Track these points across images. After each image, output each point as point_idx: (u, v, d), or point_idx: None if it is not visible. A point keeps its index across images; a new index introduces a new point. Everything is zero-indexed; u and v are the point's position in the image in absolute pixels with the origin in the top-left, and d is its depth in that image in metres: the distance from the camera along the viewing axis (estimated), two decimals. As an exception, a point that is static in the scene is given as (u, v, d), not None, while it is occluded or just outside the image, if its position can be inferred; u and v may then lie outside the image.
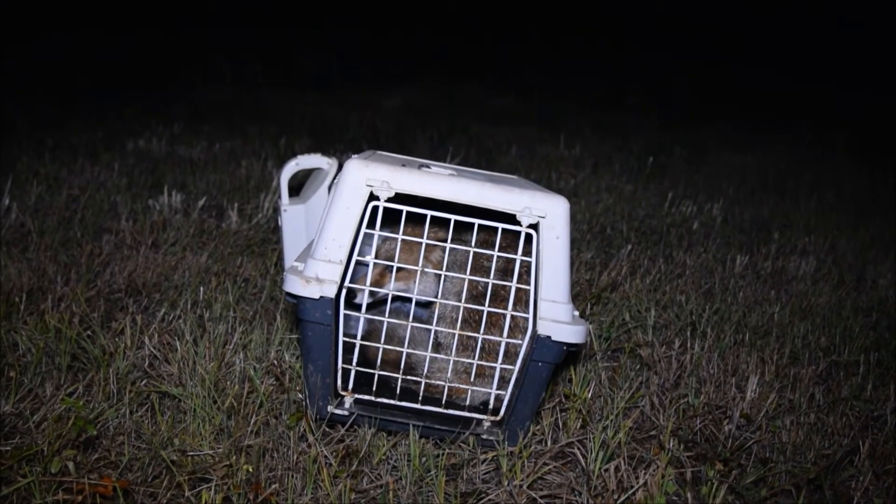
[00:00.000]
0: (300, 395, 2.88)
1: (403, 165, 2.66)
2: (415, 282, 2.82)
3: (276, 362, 3.07)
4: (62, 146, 6.25)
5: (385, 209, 2.54)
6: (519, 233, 2.60)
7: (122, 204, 4.84)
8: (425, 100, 10.53)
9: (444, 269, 2.74)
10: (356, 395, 2.67)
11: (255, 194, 5.33)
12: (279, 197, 3.82)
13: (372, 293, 2.73)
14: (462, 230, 2.65)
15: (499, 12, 18.48)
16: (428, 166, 2.88)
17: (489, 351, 2.75)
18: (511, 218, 2.60)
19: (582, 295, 4.11)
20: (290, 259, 3.80)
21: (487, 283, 2.67)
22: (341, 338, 2.61)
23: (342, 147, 7.08)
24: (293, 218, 3.72)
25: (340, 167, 3.75)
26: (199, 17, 14.78)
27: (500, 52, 15.23)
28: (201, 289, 3.71)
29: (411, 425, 2.67)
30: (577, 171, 7.02)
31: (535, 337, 2.60)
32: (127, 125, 7.27)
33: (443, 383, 2.73)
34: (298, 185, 3.90)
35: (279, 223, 3.82)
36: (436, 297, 2.85)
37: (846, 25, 17.01)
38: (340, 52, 13.31)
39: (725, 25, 17.95)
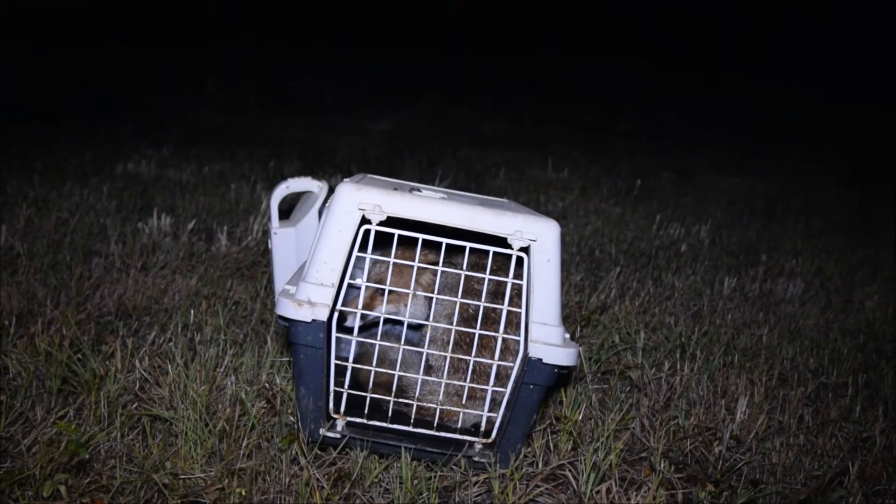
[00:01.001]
0: (292, 418, 2.88)
1: (395, 189, 2.68)
2: (405, 304, 2.83)
3: (267, 385, 3.07)
4: (51, 169, 6.25)
5: (376, 232, 2.55)
6: (509, 256, 2.62)
7: (112, 227, 4.84)
8: (415, 124, 10.57)
9: (436, 291, 2.74)
10: (348, 418, 2.68)
11: (244, 217, 5.34)
12: (269, 220, 3.83)
13: (363, 316, 2.73)
14: (453, 253, 2.67)
15: (491, 36, 18.56)
16: (419, 190, 2.90)
17: (480, 373, 2.75)
18: (502, 241, 2.61)
19: (572, 317, 4.12)
20: (280, 282, 3.80)
21: (479, 305, 2.68)
22: (333, 361, 2.61)
23: (331, 170, 7.10)
24: (283, 241, 3.72)
25: (331, 191, 3.78)
26: (190, 40, 14.80)
27: (490, 77, 15.29)
28: (192, 312, 3.71)
29: (403, 448, 2.67)
30: (565, 194, 7.05)
31: (527, 359, 2.61)
32: (116, 148, 7.28)
33: (434, 406, 2.74)
34: (288, 209, 3.91)
35: (269, 246, 3.83)
36: (426, 319, 2.86)
37: (837, 45, 17.14)
38: (331, 77, 13.36)
39: (714, 49, 18.06)
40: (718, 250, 5.98)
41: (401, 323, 2.89)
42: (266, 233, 4.82)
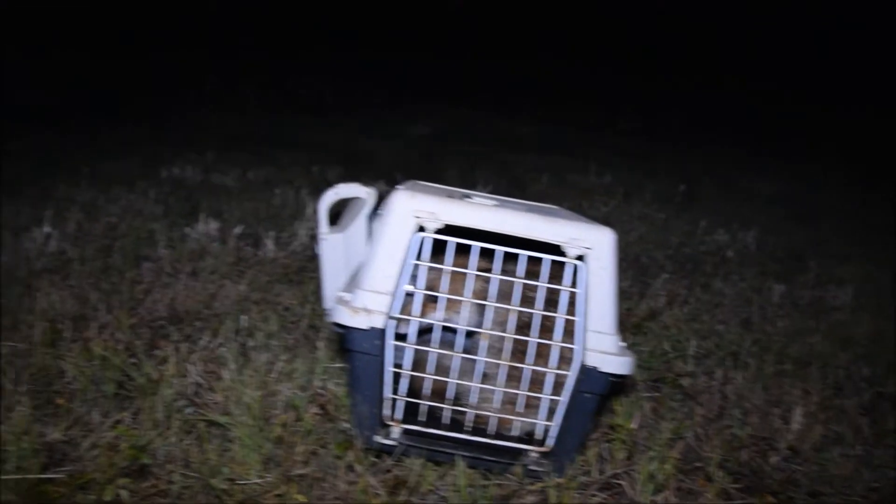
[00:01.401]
0: (346, 425, 2.89)
1: (449, 196, 2.68)
2: (457, 311, 2.83)
3: (321, 391, 3.08)
4: (98, 174, 6.30)
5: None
6: (561, 263, 2.61)
7: (160, 231, 4.87)
8: (453, 127, 10.56)
9: (490, 299, 2.74)
10: (404, 426, 2.68)
11: (289, 222, 5.36)
12: (318, 225, 3.84)
13: (416, 323, 2.73)
14: (504, 260, 2.66)
15: (527, 39, 18.53)
16: (470, 196, 2.89)
17: (534, 381, 2.74)
18: (555, 248, 2.60)
19: (621, 324, 4.07)
20: (329, 287, 3.81)
21: (532, 313, 2.67)
22: (389, 368, 2.62)
23: (373, 175, 7.09)
24: (332, 246, 3.73)
25: (379, 197, 3.79)
26: (227, 48, 14.92)
27: (527, 79, 15.26)
28: (243, 317, 3.73)
29: (459, 456, 2.67)
30: (608, 200, 7.01)
31: (583, 368, 2.60)
32: (160, 153, 7.32)
33: (489, 414, 2.73)
34: (335, 214, 3.92)
35: (317, 251, 3.84)
36: (479, 327, 2.85)
37: (871, 47, 16.95)
38: (367, 81, 13.39)
39: (751, 52, 17.93)
40: (765, 256, 5.92)
41: (451, 330, 2.89)
42: (313, 238, 4.83)
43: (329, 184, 3.71)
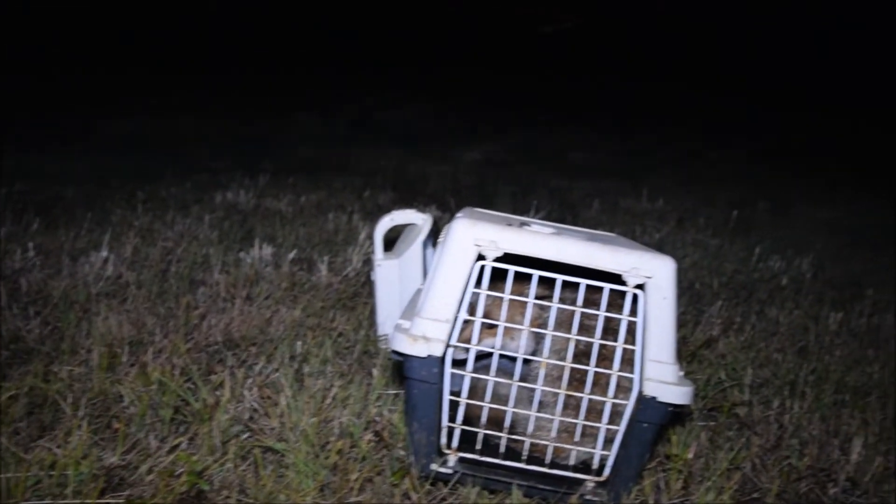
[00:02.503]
0: (402, 452, 2.89)
1: (508, 224, 2.68)
2: (512, 338, 2.82)
3: (377, 418, 3.08)
4: (153, 199, 6.39)
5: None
6: (619, 292, 2.60)
7: (215, 256, 4.92)
8: (506, 153, 10.57)
9: (548, 327, 2.72)
10: (460, 454, 2.67)
11: (343, 247, 5.38)
12: (372, 251, 3.86)
13: (475, 351, 2.72)
14: (562, 287, 2.65)
15: (576, 63, 18.54)
16: (528, 224, 2.89)
17: (591, 410, 2.73)
18: (614, 276, 2.59)
19: (677, 353, 4.06)
20: (382, 313, 3.83)
21: (590, 342, 2.66)
22: (447, 396, 2.62)
23: (425, 200, 7.12)
24: (387, 272, 3.75)
25: (434, 223, 3.80)
26: (280, 71, 15.11)
27: (577, 104, 15.25)
28: (298, 342, 3.74)
29: (515, 484, 2.66)
30: (661, 225, 6.97)
31: (641, 397, 2.58)
32: (214, 178, 7.41)
33: (545, 442, 2.72)
34: (388, 240, 3.93)
35: (372, 277, 3.86)
36: (535, 354, 2.84)
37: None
38: (418, 105, 13.47)
39: (807, 78, 17.78)
40: (821, 283, 5.83)
41: (506, 358, 2.88)
42: (367, 263, 4.86)
43: (381, 208, 3.74)
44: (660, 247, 6.17)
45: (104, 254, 4.65)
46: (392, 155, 9.54)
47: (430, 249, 3.84)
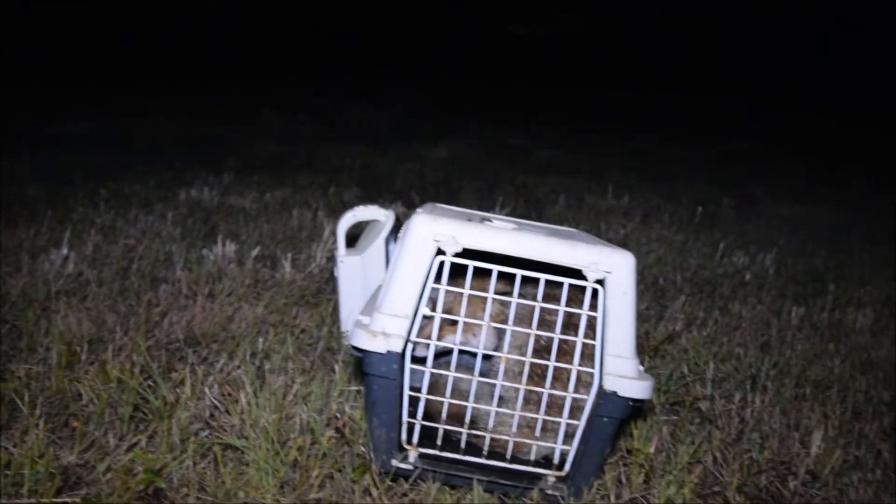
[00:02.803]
0: (363, 448, 2.87)
1: (468, 220, 2.67)
2: (474, 334, 2.82)
3: (337, 414, 3.07)
4: (116, 196, 6.33)
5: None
6: (580, 287, 2.59)
7: (177, 253, 4.88)
8: (471, 150, 10.57)
9: (508, 323, 2.72)
10: (420, 449, 2.66)
11: (307, 244, 5.36)
12: (335, 247, 3.84)
13: (434, 347, 2.72)
14: (521, 283, 2.64)
15: (546, 64, 18.60)
16: (490, 220, 2.89)
17: (552, 405, 2.73)
18: (574, 272, 2.59)
19: (639, 347, 4.03)
20: (346, 310, 3.81)
21: (551, 337, 2.66)
22: (406, 391, 2.60)
23: (390, 196, 7.11)
24: (350, 269, 3.74)
25: (397, 219, 3.79)
26: (246, 71, 15.04)
27: (544, 104, 15.29)
28: (260, 339, 3.72)
29: (476, 480, 2.65)
30: (626, 222, 7.00)
31: (601, 392, 2.58)
32: (178, 176, 7.35)
33: (506, 437, 2.72)
34: (352, 236, 3.92)
35: (335, 274, 3.84)
36: (496, 350, 2.84)
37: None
38: (384, 104, 13.45)
39: (770, 75, 17.92)
40: (784, 279, 5.88)
41: (468, 353, 2.88)
42: (331, 260, 4.84)
43: (346, 205, 3.72)
44: (624, 243, 6.20)
45: (64, 251, 4.59)
46: (358, 153, 9.51)
47: (392, 245, 3.82)
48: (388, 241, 3.75)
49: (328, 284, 4.62)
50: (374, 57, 17.46)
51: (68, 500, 2.50)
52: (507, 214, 5.43)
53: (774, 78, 17.21)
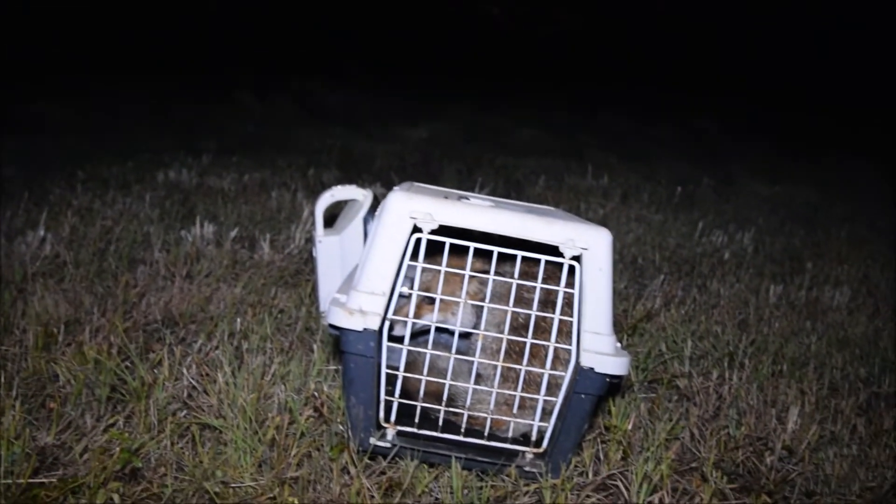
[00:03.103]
0: (341, 427, 2.87)
1: (445, 197, 2.67)
2: (453, 313, 2.82)
3: (315, 393, 3.07)
4: (94, 178, 6.28)
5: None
6: (558, 264, 2.59)
7: (155, 235, 4.85)
8: (451, 131, 10.55)
9: (486, 300, 2.72)
10: (398, 427, 2.66)
11: (286, 225, 5.35)
12: (314, 228, 3.83)
13: (412, 325, 2.71)
14: (499, 261, 2.64)
15: (524, 45, 18.57)
16: (467, 198, 2.88)
17: (530, 382, 2.73)
18: (552, 249, 2.59)
19: (617, 325, 4.08)
20: (324, 290, 3.80)
21: (529, 314, 2.66)
22: (384, 369, 2.60)
23: (370, 178, 7.09)
24: (328, 249, 3.72)
25: (375, 199, 3.78)
26: (223, 52, 14.94)
27: (523, 85, 15.27)
28: (237, 320, 3.71)
29: (454, 457, 2.66)
30: (605, 202, 7.01)
31: (578, 369, 2.59)
32: (156, 157, 7.30)
33: (484, 415, 2.72)
34: (331, 217, 3.91)
35: (313, 254, 3.83)
36: (475, 328, 2.84)
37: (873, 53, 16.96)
38: (365, 87, 13.40)
39: (746, 55, 17.95)
40: (762, 258, 5.91)
41: (447, 331, 2.88)
42: (309, 240, 4.82)
43: (325, 186, 3.70)
44: (604, 222, 6.18)
45: (41, 233, 4.56)
46: (337, 134, 9.49)
47: (371, 225, 3.81)
48: (366, 221, 3.74)
49: (307, 265, 4.61)
50: (352, 40, 17.38)
51: (45, 480, 2.49)
52: (487, 195, 5.43)
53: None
